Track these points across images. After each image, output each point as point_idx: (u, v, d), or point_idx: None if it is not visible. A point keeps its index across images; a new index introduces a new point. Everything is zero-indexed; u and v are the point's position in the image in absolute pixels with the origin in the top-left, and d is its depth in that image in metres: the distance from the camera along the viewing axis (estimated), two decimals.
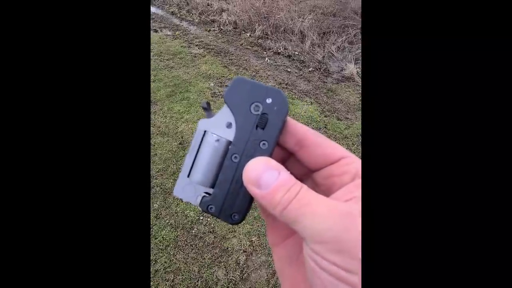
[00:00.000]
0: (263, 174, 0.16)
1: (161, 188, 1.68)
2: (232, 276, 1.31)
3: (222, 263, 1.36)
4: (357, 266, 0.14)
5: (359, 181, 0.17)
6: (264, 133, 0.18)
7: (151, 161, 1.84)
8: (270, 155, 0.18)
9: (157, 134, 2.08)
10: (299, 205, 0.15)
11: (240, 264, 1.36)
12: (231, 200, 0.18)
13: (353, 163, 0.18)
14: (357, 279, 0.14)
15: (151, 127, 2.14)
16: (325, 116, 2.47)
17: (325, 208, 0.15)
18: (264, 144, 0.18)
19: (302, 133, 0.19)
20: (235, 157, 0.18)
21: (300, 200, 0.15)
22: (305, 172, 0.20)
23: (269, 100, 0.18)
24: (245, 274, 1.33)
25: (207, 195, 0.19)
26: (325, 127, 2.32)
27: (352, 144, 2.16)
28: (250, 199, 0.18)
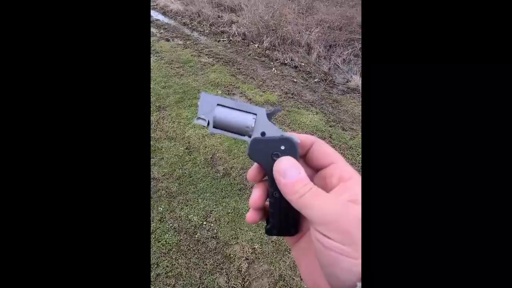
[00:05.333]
0: (289, 169, 0.22)
1: (166, 191, 1.70)
2: (234, 284, 1.30)
3: (224, 270, 1.34)
4: (352, 240, 0.18)
5: (344, 183, 0.22)
6: None
7: (158, 165, 1.87)
8: None
9: (165, 138, 2.13)
10: (312, 195, 0.21)
11: (242, 272, 1.34)
12: (285, 222, 0.25)
13: (338, 168, 0.23)
14: (353, 251, 0.18)
15: (159, 132, 2.19)
16: (330, 126, 2.49)
17: (330, 199, 0.21)
18: None
19: (309, 143, 0.25)
20: (275, 194, 0.24)
21: (313, 192, 0.21)
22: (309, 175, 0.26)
23: (282, 147, 0.23)
24: (247, 283, 1.31)
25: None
26: (330, 137, 2.33)
27: (357, 154, 2.15)
28: (297, 216, 0.24)
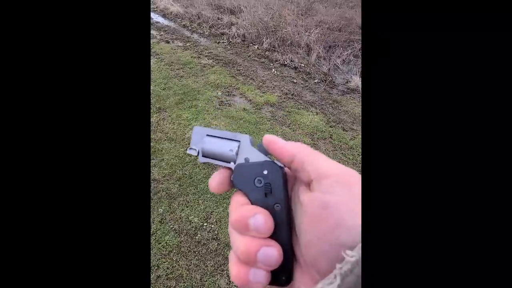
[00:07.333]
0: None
1: (166, 192, 1.70)
2: (235, 286, 1.29)
3: (225, 272, 1.34)
4: (356, 202, 0.17)
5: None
6: (274, 197, 0.22)
7: (158, 166, 1.87)
8: (288, 212, 0.22)
9: (165, 140, 2.13)
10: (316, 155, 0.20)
11: None
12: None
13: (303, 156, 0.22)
14: (355, 206, 0.17)
15: (160, 133, 2.19)
16: (330, 126, 2.49)
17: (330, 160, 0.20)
18: (277, 206, 0.22)
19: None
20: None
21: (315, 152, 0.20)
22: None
23: (265, 172, 0.22)
24: None
25: None
26: (330, 137, 2.34)
27: (358, 154, 2.15)
28: (291, 261, 0.21)
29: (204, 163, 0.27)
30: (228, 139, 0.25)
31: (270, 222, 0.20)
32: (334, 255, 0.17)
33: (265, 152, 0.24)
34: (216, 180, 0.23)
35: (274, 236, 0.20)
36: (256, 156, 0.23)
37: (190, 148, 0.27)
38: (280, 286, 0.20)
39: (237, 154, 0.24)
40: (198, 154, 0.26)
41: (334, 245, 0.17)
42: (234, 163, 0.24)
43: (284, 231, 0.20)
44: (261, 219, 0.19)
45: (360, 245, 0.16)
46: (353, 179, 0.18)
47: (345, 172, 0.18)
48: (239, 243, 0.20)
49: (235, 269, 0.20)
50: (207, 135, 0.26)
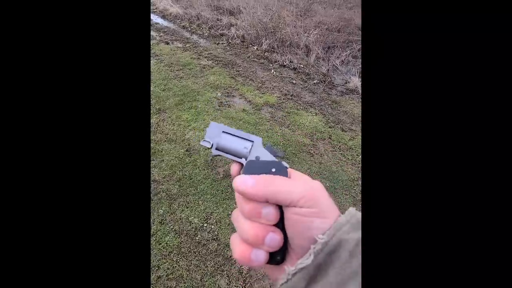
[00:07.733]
0: (245, 177, 0.24)
1: (166, 193, 1.70)
2: (235, 286, 1.29)
3: (225, 272, 1.34)
4: (319, 204, 0.21)
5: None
6: None
7: (158, 167, 1.87)
8: None
9: (165, 141, 2.13)
10: (283, 180, 0.23)
11: (243, 274, 1.34)
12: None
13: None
14: (321, 211, 0.21)
15: (159, 134, 2.19)
16: (329, 127, 2.50)
17: (297, 179, 0.24)
18: None
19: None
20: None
21: (281, 178, 0.24)
22: None
23: (273, 169, 0.26)
24: (248, 284, 1.30)
25: None
26: (330, 138, 2.34)
27: (357, 155, 2.15)
28: (285, 245, 0.24)
29: (216, 155, 0.29)
30: (243, 138, 0.29)
31: (277, 213, 0.23)
32: (310, 244, 0.21)
33: (274, 153, 0.27)
34: (235, 169, 0.28)
35: (275, 223, 0.23)
36: (266, 156, 0.27)
37: (204, 140, 0.29)
38: (275, 265, 0.24)
39: (249, 152, 0.28)
40: (211, 147, 0.29)
41: (309, 240, 0.21)
42: (246, 159, 0.27)
43: (282, 220, 0.23)
44: (272, 209, 0.23)
45: (329, 231, 0.20)
46: (318, 192, 0.22)
47: (311, 191, 0.22)
48: (248, 228, 0.23)
49: (241, 248, 0.23)
50: (223, 131, 0.29)
